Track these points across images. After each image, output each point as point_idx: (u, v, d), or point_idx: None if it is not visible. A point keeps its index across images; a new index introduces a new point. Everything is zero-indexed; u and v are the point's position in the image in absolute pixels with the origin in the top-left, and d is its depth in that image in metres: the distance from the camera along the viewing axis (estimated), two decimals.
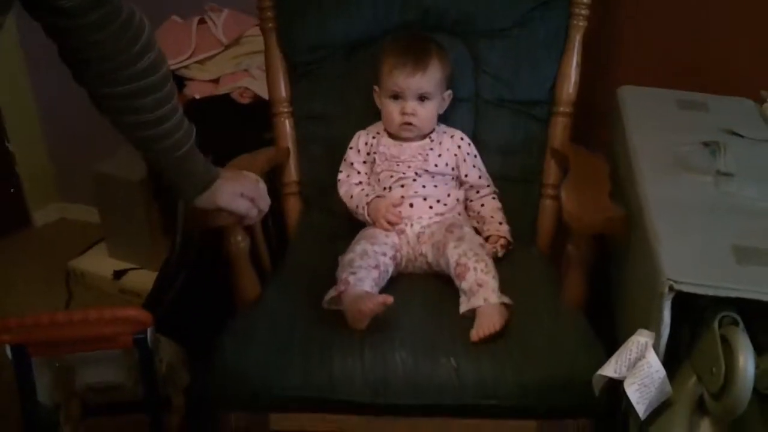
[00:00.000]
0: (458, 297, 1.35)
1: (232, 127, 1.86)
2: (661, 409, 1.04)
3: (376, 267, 1.38)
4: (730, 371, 0.95)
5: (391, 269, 1.44)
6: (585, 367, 1.15)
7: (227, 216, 1.34)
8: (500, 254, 1.49)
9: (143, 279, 2.21)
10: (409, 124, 1.52)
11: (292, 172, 1.69)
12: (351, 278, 1.33)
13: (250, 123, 1.81)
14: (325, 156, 1.67)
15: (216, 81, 2.00)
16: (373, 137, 1.58)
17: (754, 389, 0.96)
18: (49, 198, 2.85)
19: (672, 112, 1.49)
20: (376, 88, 1.57)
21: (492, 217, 1.56)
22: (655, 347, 1.02)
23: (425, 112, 1.53)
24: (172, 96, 1.21)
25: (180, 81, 2.00)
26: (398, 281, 1.46)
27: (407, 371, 1.25)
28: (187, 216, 1.35)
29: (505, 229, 1.54)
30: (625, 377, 1.03)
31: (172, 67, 1.97)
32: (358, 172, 1.58)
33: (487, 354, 1.25)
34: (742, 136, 1.39)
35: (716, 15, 1.67)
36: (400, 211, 1.50)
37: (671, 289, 0.98)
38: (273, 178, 1.63)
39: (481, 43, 1.64)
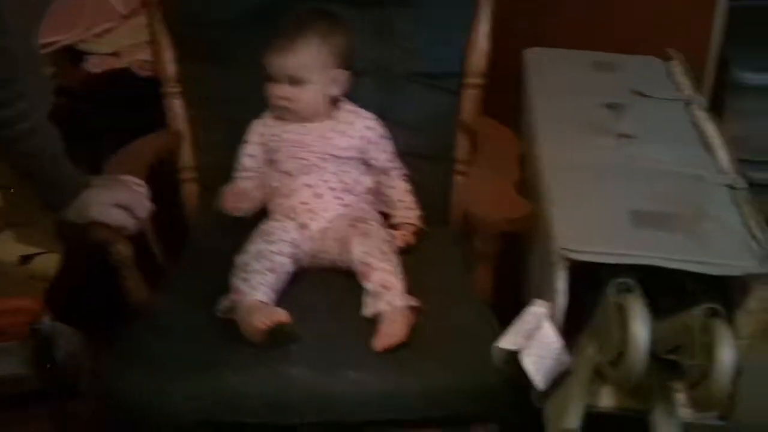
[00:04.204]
0: (365, 295, 1.29)
1: (132, 102, 1.78)
2: (561, 379, 1.03)
3: (272, 270, 1.29)
4: (625, 338, 0.94)
5: (290, 268, 1.34)
6: (492, 371, 1.10)
7: (102, 229, 1.23)
8: (412, 242, 1.44)
9: (52, 263, 2.13)
10: (284, 107, 1.44)
11: (187, 157, 1.60)
12: (244, 286, 1.25)
13: (151, 97, 1.73)
14: (226, 139, 1.56)
15: (116, 54, 1.91)
16: (270, 125, 1.49)
17: (654, 354, 0.95)
18: None
19: (578, 74, 1.48)
20: None
21: (401, 200, 1.50)
22: (554, 317, 1.00)
23: (304, 96, 1.42)
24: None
25: (78, 55, 1.91)
26: (301, 280, 1.36)
27: (307, 388, 1.15)
28: (60, 231, 1.26)
29: (414, 215, 1.48)
30: (522, 348, 1.02)
31: (67, 42, 1.88)
32: (245, 169, 1.49)
33: (391, 363, 1.18)
34: (648, 96, 1.38)
35: None
36: (243, 193, 1.43)
37: (565, 257, 0.96)
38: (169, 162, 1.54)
39: (387, 12, 1.55)
